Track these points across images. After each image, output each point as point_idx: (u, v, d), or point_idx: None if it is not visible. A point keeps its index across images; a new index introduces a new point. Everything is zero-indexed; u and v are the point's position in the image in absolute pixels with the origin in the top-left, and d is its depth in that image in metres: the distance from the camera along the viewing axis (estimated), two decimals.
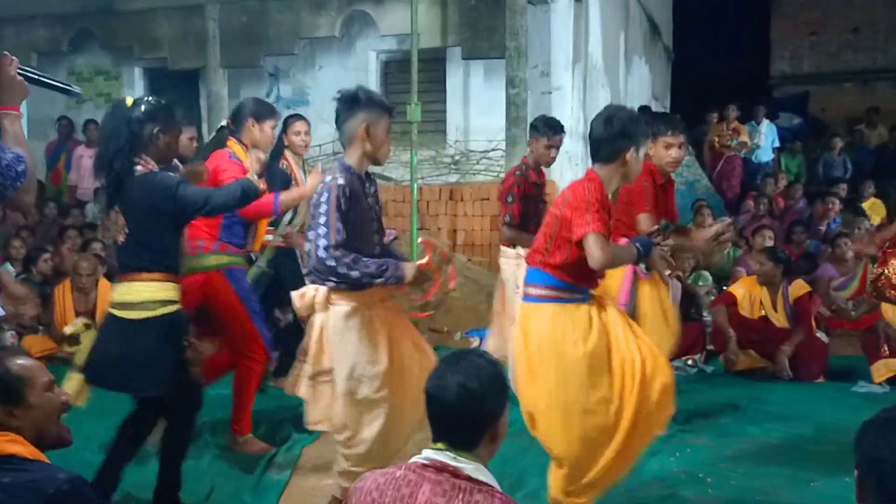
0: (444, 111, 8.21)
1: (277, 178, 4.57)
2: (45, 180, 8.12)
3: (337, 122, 3.06)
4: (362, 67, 8.33)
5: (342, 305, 2.99)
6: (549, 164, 4.66)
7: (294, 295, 3.09)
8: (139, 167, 3.09)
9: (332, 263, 2.87)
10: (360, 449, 3.06)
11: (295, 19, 7.45)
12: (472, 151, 8.07)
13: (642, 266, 3.84)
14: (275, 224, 4.71)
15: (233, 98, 8.21)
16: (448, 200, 7.87)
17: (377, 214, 3.13)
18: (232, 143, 4.09)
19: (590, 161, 7.52)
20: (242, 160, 3.99)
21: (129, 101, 3.20)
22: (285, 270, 4.73)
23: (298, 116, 5.05)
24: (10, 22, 8.07)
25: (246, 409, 4.09)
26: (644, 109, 10.90)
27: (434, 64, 7.94)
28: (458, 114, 8.13)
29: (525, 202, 4.56)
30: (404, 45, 7.65)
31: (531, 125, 4.71)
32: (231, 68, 7.80)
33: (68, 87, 2.51)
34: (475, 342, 6.49)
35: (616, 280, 3.86)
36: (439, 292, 3.15)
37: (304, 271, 3.11)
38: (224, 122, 4.38)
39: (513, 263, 4.57)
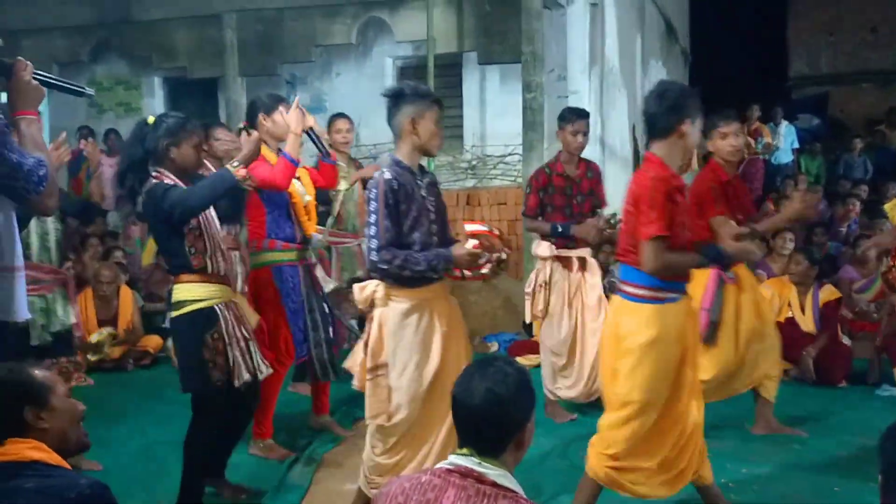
0: (461, 116, 8.22)
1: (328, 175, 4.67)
2: (67, 188, 8.21)
3: (387, 119, 3.09)
4: (378, 74, 8.37)
5: (401, 303, 3.02)
6: (579, 151, 4.62)
7: (355, 288, 3.14)
8: (152, 180, 3.19)
9: (384, 266, 2.94)
10: (395, 442, 3.07)
11: (311, 27, 7.50)
12: (488, 156, 8.08)
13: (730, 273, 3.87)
14: (322, 223, 4.86)
15: None
16: (465, 205, 7.88)
17: (434, 206, 3.10)
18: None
19: (606, 165, 7.46)
20: (265, 154, 3.99)
21: (151, 119, 3.33)
22: None
23: (340, 115, 5.20)
24: (31, 33, 8.16)
25: (267, 412, 4.11)
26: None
27: (450, 69, 7.97)
28: (475, 119, 8.15)
29: (548, 194, 4.60)
30: (420, 51, 7.68)
31: (558, 117, 4.73)
32: (249, 76, 7.85)
33: (81, 89, 2.56)
34: (494, 347, 6.49)
35: (700, 283, 3.77)
36: (494, 265, 3.15)
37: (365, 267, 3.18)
38: (241, 125, 4.43)
39: (546, 266, 4.62)
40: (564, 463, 3.96)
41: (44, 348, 3.63)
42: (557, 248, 4.59)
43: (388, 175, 2.97)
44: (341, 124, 5.12)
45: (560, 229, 4.52)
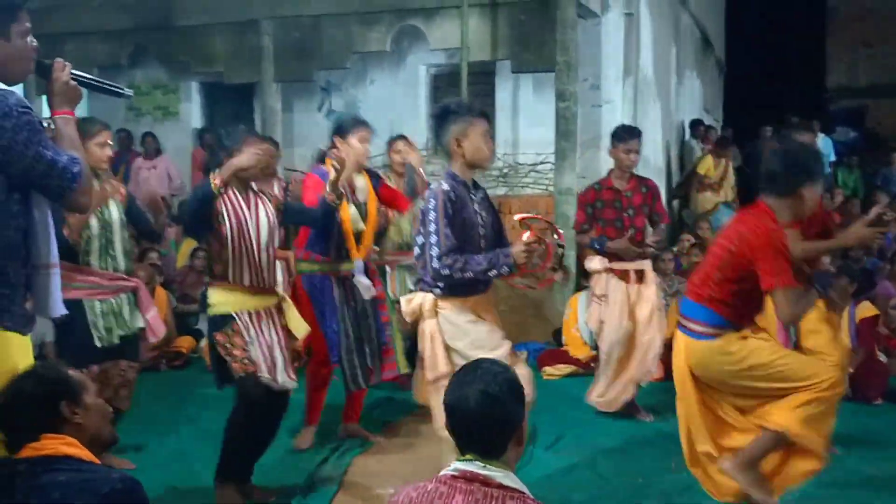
0: (493, 124, 8.23)
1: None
2: None
3: (436, 138, 3.18)
4: (412, 81, 8.42)
5: (449, 310, 3.05)
6: (630, 168, 4.73)
7: (402, 300, 3.19)
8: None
9: (447, 272, 2.96)
10: None
11: (347, 34, 7.57)
12: (520, 164, 8.08)
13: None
14: (378, 242, 4.92)
15: (286, 111, 8.38)
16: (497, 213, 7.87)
17: (484, 221, 3.15)
18: (328, 160, 4.20)
19: (640, 174, 7.41)
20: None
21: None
22: None
23: (401, 136, 5.28)
24: (72, 37, 8.33)
25: (313, 405, 4.31)
26: (696, 123, 10.78)
27: (483, 77, 7.99)
28: (507, 127, 8.15)
29: (596, 209, 4.71)
30: (454, 59, 7.71)
31: (611, 134, 4.86)
32: (284, 82, 7.94)
33: (120, 89, 2.58)
34: (523, 356, 6.46)
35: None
36: (555, 255, 3.14)
37: (413, 280, 3.24)
38: (326, 146, 4.56)
39: (601, 278, 4.71)
40: (592, 474, 3.94)
41: (109, 350, 3.71)
42: (611, 261, 4.66)
43: (445, 186, 3.03)
44: (401, 145, 5.17)
45: (597, 245, 4.68)
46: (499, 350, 3.02)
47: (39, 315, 2.35)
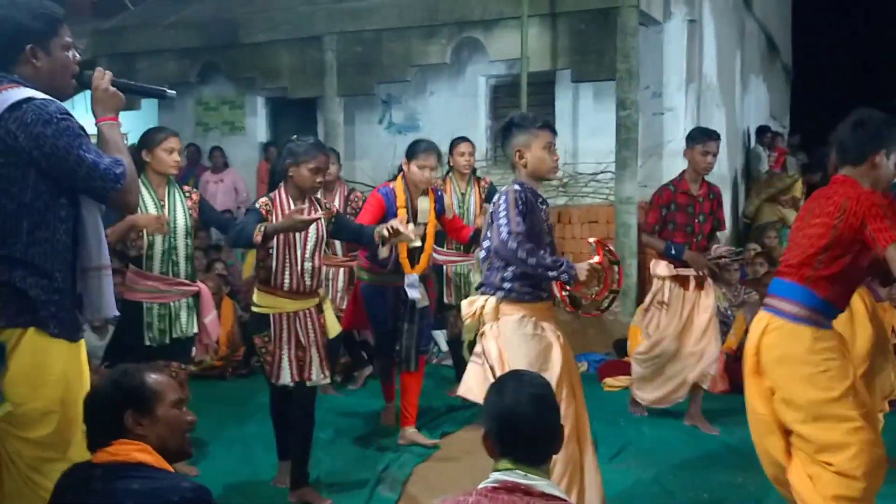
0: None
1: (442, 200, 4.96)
2: None
3: (502, 149, 3.24)
4: (472, 92, 8.46)
5: (513, 314, 3.04)
6: (706, 171, 4.66)
7: (464, 302, 3.22)
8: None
9: (514, 245, 2.90)
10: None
11: (407, 48, 7.66)
12: (580, 174, 8.03)
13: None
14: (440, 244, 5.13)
15: (348, 124, 8.52)
16: (556, 223, 7.85)
17: (549, 227, 3.20)
18: (398, 181, 4.49)
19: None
20: (397, 195, 4.40)
21: (294, 137, 3.78)
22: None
23: (463, 139, 5.35)
24: (145, 55, 8.66)
25: (407, 398, 4.55)
26: (763, 129, 10.54)
27: (543, 87, 7.97)
28: (567, 136, 8.11)
29: (670, 212, 4.62)
30: (513, 70, 7.72)
31: (687, 136, 4.77)
32: (346, 96, 8.08)
33: (162, 91, 2.65)
34: (583, 367, 6.41)
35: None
36: (609, 292, 3.14)
37: (476, 283, 3.32)
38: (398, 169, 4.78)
39: (664, 285, 4.67)
40: (656, 488, 3.88)
41: (159, 351, 3.82)
42: (676, 267, 4.61)
43: (516, 187, 3.06)
44: (463, 147, 5.28)
45: (674, 251, 4.57)
46: (546, 371, 2.96)
47: (93, 317, 2.40)
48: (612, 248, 3.27)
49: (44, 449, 2.17)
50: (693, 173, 4.65)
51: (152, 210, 3.79)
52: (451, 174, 5.33)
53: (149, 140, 3.88)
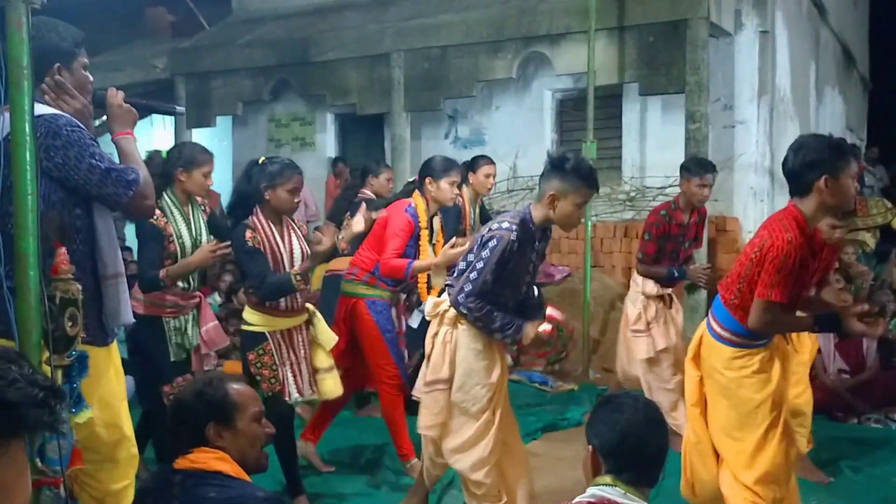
0: (620, 147, 8.14)
1: (451, 213, 4.91)
2: None
3: (540, 176, 3.18)
4: (537, 107, 8.46)
5: (468, 328, 3.20)
6: (701, 203, 4.72)
7: (429, 300, 3.36)
8: (245, 222, 3.64)
9: (464, 311, 3.13)
10: (465, 458, 3.23)
11: (473, 63, 7.73)
12: (648, 188, 7.94)
13: None
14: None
15: (414, 140, 8.63)
16: (623, 237, 7.76)
17: (534, 268, 3.28)
18: (416, 196, 4.31)
19: (775, 197, 7.18)
20: (419, 214, 4.21)
21: (262, 159, 3.71)
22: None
23: (489, 160, 5.31)
24: (220, 74, 8.96)
25: (401, 433, 4.26)
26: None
27: (610, 101, 7.93)
28: (634, 150, 8.04)
29: (663, 241, 4.68)
30: (580, 83, 7.70)
31: (682, 166, 4.80)
32: (413, 112, 8.19)
33: (172, 109, 2.83)
34: None
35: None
36: (553, 355, 3.40)
37: (449, 280, 3.36)
38: (411, 179, 4.66)
39: (638, 301, 4.78)
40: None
41: (181, 364, 3.80)
42: (662, 287, 4.73)
43: (513, 236, 3.04)
44: (489, 169, 5.25)
45: (676, 274, 4.70)
46: (487, 382, 3.20)
47: (112, 324, 2.44)
48: (560, 319, 3.53)
49: (85, 451, 2.23)
50: (687, 203, 4.69)
51: (182, 226, 3.72)
52: (464, 187, 5.17)
53: (190, 160, 3.77)
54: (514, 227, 3.05)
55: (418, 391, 3.36)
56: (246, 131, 10.04)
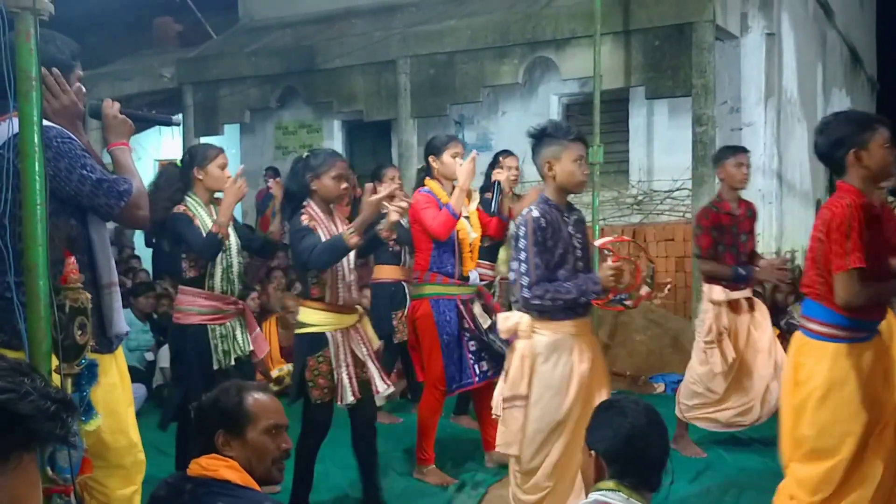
0: (627, 151, 8.14)
1: (483, 208, 4.93)
2: (255, 226, 8.90)
3: (532, 159, 3.17)
4: (544, 111, 8.46)
5: (544, 336, 3.04)
6: (743, 185, 4.50)
7: (500, 317, 3.21)
8: (300, 214, 3.58)
9: (537, 302, 2.97)
10: (535, 477, 3.07)
11: (480, 69, 7.74)
12: (655, 191, 7.92)
13: None
14: (492, 258, 5.06)
15: (421, 145, 8.62)
16: (631, 241, 7.75)
17: (580, 243, 3.13)
18: (427, 181, 4.37)
19: (783, 199, 7.16)
20: (437, 194, 4.26)
21: (305, 154, 3.72)
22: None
23: (508, 153, 5.32)
24: (227, 82, 8.99)
25: (428, 438, 4.26)
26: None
27: (616, 105, 7.92)
28: (641, 153, 8.04)
29: (718, 234, 4.42)
30: (586, 88, 7.70)
31: (713, 158, 4.70)
32: (420, 118, 8.20)
33: (168, 119, 2.79)
34: (660, 388, 6.29)
35: None
36: (645, 274, 3.12)
37: (513, 298, 3.22)
38: (420, 167, 4.70)
39: (709, 310, 4.43)
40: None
41: (226, 373, 3.74)
42: (731, 291, 4.40)
43: (536, 213, 3.01)
44: (509, 162, 5.21)
45: (743, 272, 4.35)
46: (563, 399, 3.01)
47: (107, 334, 2.41)
48: (619, 237, 3.31)
49: (92, 458, 2.22)
50: (730, 191, 4.49)
51: (209, 222, 3.69)
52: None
53: (200, 157, 3.78)
54: (534, 207, 3.05)
55: (496, 408, 3.20)
56: (253, 139, 10.07)
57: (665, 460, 1.88)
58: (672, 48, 6.84)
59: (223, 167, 3.78)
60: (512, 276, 3.10)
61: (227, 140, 10.10)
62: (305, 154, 3.69)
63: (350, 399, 3.56)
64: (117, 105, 2.50)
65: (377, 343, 3.85)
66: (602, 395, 3.08)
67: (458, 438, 4.99)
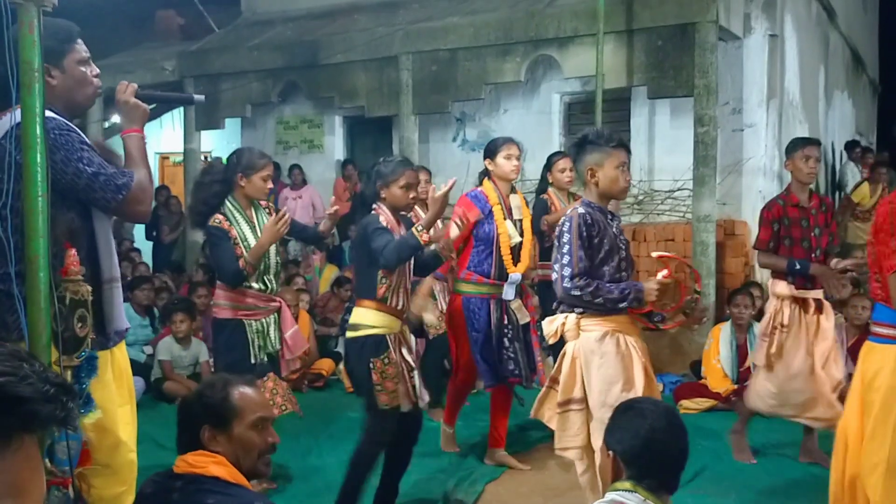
0: (628, 151, 8.12)
1: (538, 209, 5.07)
2: None
3: (574, 165, 3.19)
4: (546, 110, 8.46)
5: (593, 331, 2.99)
6: (811, 178, 4.33)
7: (544, 321, 3.18)
8: (371, 212, 3.52)
9: (577, 293, 2.93)
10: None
11: (482, 66, 7.73)
12: (656, 191, 7.92)
13: None
14: (546, 258, 5.06)
15: (422, 142, 8.64)
16: (630, 241, 7.75)
17: (625, 246, 3.12)
18: (485, 182, 4.42)
19: None
20: (488, 195, 4.31)
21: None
22: None
23: (562, 154, 5.35)
24: (229, 77, 8.98)
25: (453, 408, 4.64)
26: (853, 144, 10.19)
27: (618, 104, 7.92)
28: (643, 153, 8.03)
29: (784, 227, 4.28)
30: (588, 87, 7.69)
31: (785, 149, 4.49)
32: (422, 114, 8.20)
33: (190, 98, 2.65)
34: (659, 388, 6.28)
35: None
36: (688, 299, 3.06)
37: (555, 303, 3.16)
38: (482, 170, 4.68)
39: (771, 303, 4.30)
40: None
41: (264, 367, 3.88)
42: (798, 287, 4.22)
43: (581, 210, 3.02)
44: (563, 164, 5.18)
45: (798, 266, 4.18)
46: (629, 391, 2.91)
47: (105, 330, 2.36)
48: (679, 256, 3.22)
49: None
50: (798, 185, 4.33)
51: (247, 231, 3.80)
52: (550, 189, 5.25)
53: (249, 165, 3.83)
54: (579, 207, 3.04)
55: (541, 413, 3.15)
56: (254, 133, 10.06)
57: (683, 463, 1.87)
58: (675, 48, 6.83)
59: (267, 179, 3.87)
60: (554, 276, 3.04)
61: (228, 134, 10.10)
62: (381, 159, 3.62)
63: (408, 406, 3.47)
64: (132, 88, 2.39)
65: (414, 349, 3.83)
66: (650, 390, 3.01)
67: (457, 435, 4.98)
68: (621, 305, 2.96)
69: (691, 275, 3.14)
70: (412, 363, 3.55)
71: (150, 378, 6.10)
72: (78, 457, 2.12)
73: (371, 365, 3.37)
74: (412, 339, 3.74)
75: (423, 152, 8.57)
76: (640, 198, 7.94)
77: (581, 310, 3.01)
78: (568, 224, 2.99)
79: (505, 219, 4.29)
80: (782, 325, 4.19)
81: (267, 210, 4.00)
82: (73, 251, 2.13)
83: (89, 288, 2.14)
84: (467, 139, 8.88)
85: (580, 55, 7.23)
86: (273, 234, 3.72)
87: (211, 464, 2.03)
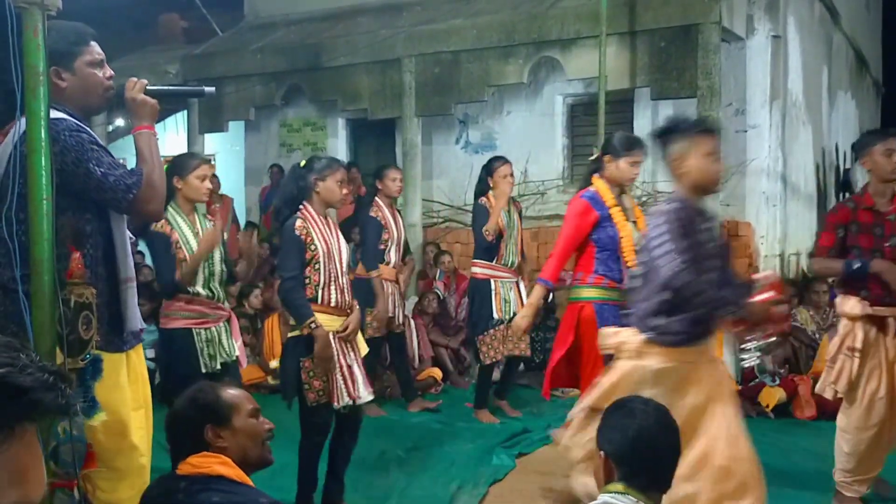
0: None
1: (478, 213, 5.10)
2: (260, 223, 8.91)
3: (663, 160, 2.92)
4: (549, 111, 8.46)
5: (652, 362, 2.76)
6: (893, 175, 3.65)
7: (607, 331, 3.01)
8: (296, 216, 3.58)
9: (679, 285, 2.62)
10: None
11: (485, 68, 7.73)
12: (660, 192, 7.91)
13: None
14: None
15: (425, 144, 8.65)
16: None
17: (722, 250, 2.85)
18: (595, 179, 4.13)
19: (787, 202, 7.08)
20: (602, 195, 4.04)
21: (303, 162, 3.71)
22: None
23: (506, 159, 5.34)
24: (232, 80, 9.00)
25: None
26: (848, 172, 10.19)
27: (621, 105, 7.91)
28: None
29: (851, 233, 3.67)
30: (591, 88, 7.69)
31: (860, 145, 3.85)
32: (424, 116, 8.20)
33: (200, 90, 2.65)
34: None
35: None
36: (770, 341, 2.83)
37: (623, 313, 3.00)
38: (594, 155, 4.40)
39: (842, 326, 3.74)
40: None
41: (213, 376, 3.74)
42: (872, 304, 3.56)
43: (674, 206, 2.76)
44: (505, 169, 5.24)
45: (855, 266, 3.56)
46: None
47: (125, 329, 2.38)
48: (779, 284, 2.83)
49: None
50: (879, 184, 3.64)
51: (189, 235, 3.77)
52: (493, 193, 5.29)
53: (181, 166, 3.80)
54: (671, 202, 2.79)
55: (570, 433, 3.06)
56: (258, 136, 10.08)
57: (674, 462, 1.86)
58: (678, 49, 6.83)
59: (203, 178, 3.82)
60: (633, 283, 2.84)
61: (232, 137, 10.12)
62: (303, 162, 3.69)
63: (347, 401, 3.56)
64: (141, 84, 2.39)
65: (365, 350, 3.83)
66: (727, 413, 2.76)
67: (460, 438, 4.99)
68: (723, 311, 2.67)
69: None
70: (351, 359, 3.59)
71: (155, 382, 6.10)
72: (83, 459, 2.12)
73: (300, 364, 3.49)
74: (360, 336, 3.75)
75: (426, 154, 8.58)
76: (644, 199, 7.94)
77: (652, 334, 2.75)
78: (661, 219, 2.70)
79: (627, 220, 4.03)
80: (854, 349, 3.58)
81: (209, 219, 3.97)
82: (78, 254, 2.14)
83: (94, 291, 2.14)
84: (470, 141, 8.88)
85: (583, 57, 7.23)
86: (210, 244, 3.72)
87: (215, 464, 2.06)
